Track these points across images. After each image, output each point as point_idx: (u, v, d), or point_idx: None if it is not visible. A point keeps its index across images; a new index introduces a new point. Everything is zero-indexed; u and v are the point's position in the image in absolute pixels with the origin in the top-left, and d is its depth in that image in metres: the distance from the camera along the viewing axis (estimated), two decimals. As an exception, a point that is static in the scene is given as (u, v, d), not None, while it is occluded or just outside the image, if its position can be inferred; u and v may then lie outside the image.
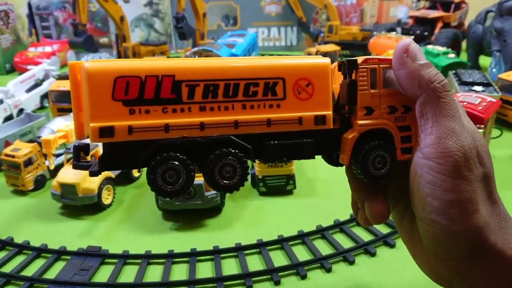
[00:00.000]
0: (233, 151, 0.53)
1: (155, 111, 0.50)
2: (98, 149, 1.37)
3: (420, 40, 3.47)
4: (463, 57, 3.36)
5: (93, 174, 0.53)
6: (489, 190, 0.56)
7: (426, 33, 3.56)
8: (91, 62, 0.49)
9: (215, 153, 0.52)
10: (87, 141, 0.54)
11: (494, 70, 2.63)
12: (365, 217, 0.65)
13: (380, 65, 0.58)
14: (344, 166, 0.65)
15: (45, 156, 1.55)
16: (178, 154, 0.51)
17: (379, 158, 0.58)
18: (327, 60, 0.57)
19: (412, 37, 3.04)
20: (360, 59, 0.58)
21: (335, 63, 0.63)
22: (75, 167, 0.56)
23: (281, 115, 0.55)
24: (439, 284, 0.62)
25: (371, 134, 0.58)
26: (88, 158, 0.59)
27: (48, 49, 3.71)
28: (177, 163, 0.51)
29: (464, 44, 3.50)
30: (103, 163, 0.51)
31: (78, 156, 0.56)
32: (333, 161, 0.68)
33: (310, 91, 0.56)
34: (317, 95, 0.56)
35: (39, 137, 1.62)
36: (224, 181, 0.54)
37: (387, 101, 0.58)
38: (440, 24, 3.62)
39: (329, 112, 0.57)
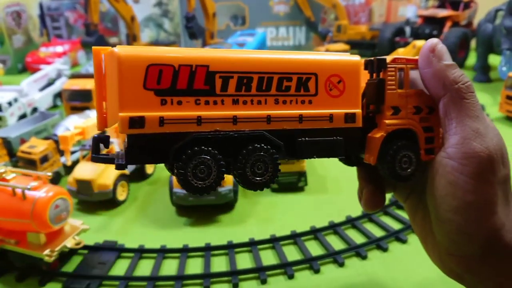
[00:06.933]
0: (265, 147, 0.52)
1: (188, 102, 0.49)
2: (113, 146, 1.39)
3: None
4: (472, 56, 3.35)
5: (120, 167, 0.51)
6: (506, 191, 0.56)
7: (435, 33, 3.55)
8: (122, 47, 0.47)
9: (247, 148, 0.51)
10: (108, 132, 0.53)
11: (504, 68, 2.62)
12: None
13: (408, 65, 0.58)
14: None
15: (61, 152, 1.57)
16: (210, 149, 0.50)
17: (405, 159, 0.58)
18: (358, 58, 0.57)
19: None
20: (388, 58, 0.58)
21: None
22: (95, 159, 0.53)
23: (312, 111, 0.54)
24: (450, 277, 0.63)
25: (395, 134, 0.58)
26: (105, 151, 0.57)
27: (59, 49, 3.76)
28: (209, 157, 0.49)
29: (473, 43, 3.48)
30: (130, 156, 0.49)
31: (98, 148, 0.53)
32: (349, 160, 0.68)
33: (341, 88, 0.56)
34: (348, 93, 0.56)
35: (55, 134, 1.65)
36: (256, 178, 0.52)
37: (413, 101, 0.59)
38: (449, 23, 3.61)
39: (358, 110, 0.57)
